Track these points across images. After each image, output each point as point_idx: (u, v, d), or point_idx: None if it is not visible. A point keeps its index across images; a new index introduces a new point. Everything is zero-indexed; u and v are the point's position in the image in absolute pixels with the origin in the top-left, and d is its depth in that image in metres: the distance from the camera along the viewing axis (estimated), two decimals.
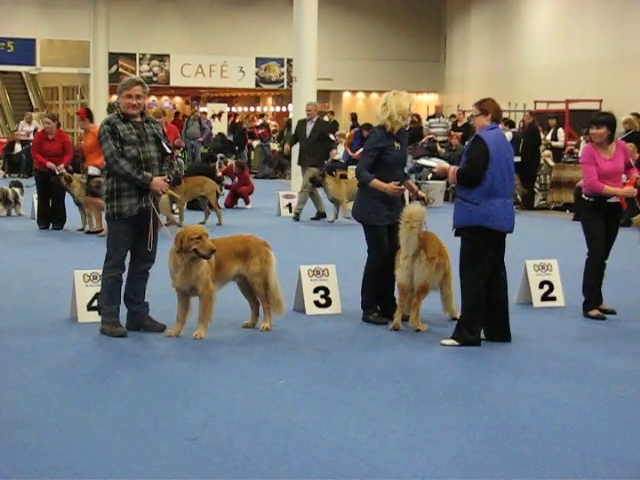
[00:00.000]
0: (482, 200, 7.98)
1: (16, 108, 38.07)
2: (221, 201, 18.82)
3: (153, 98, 39.03)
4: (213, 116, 34.73)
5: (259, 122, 35.55)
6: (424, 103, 36.55)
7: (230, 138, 32.38)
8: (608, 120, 9.41)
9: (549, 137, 23.40)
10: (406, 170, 9.48)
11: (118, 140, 8.23)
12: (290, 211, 18.62)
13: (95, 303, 8.74)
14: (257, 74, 37.55)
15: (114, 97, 28.59)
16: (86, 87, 36.63)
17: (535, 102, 28.06)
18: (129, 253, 8.45)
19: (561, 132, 23.82)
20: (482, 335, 8.20)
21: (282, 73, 37.50)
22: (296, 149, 19.40)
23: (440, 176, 14.51)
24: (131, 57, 36.04)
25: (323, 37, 29.47)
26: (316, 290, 9.41)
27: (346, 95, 40.48)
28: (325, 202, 18.14)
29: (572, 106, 26.34)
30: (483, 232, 8.04)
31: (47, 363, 7.44)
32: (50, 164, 15.48)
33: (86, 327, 8.54)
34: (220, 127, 33.99)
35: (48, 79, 39.22)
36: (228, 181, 20.87)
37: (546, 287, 9.97)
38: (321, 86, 28.10)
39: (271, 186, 24.14)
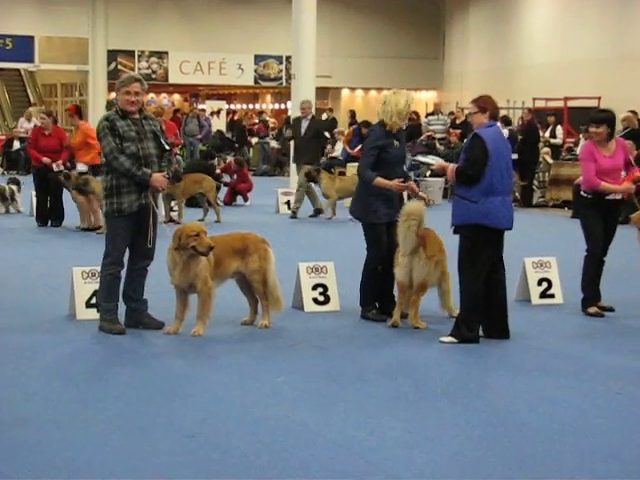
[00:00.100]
0: (481, 198, 7.98)
1: (14, 105, 38.07)
2: (220, 198, 18.81)
3: (152, 95, 39.01)
4: (212, 113, 34.70)
5: (257, 119, 35.50)
6: (423, 100, 36.55)
7: (229, 135, 32.37)
8: (607, 118, 9.41)
9: (548, 134, 23.40)
10: (405, 168, 9.47)
11: (117, 137, 8.22)
12: (289, 208, 18.62)
13: (94, 300, 8.74)
14: (256, 71, 37.55)
15: (113, 94, 28.57)
16: (85, 84, 36.63)
17: (534, 99, 28.07)
18: (128, 250, 8.45)
19: (560, 129, 23.82)
20: (481, 332, 8.21)
21: (281, 70, 37.50)
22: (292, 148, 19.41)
23: (439, 173, 14.52)
24: (130, 54, 36.04)
25: (322, 34, 29.45)
26: (315, 287, 9.41)
27: (345, 92, 40.48)
28: (322, 199, 18.13)
29: (571, 103, 26.35)
30: (482, 230, 8.04)
31: (45, 360, 7.44)
32: (45, 159, 15.41)
33: (84, 324, 8.54)
34: (219, 124, 33.98)
35: (47, 76, 39.21)
36: (227, 178, 20.86)
37: (544, 284, 9.97)
38: (320, 83, 28.08)
39: (269, 183, 24.13)
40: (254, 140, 32.04)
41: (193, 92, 43.67)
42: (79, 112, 15.61)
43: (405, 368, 7.37)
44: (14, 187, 18.25)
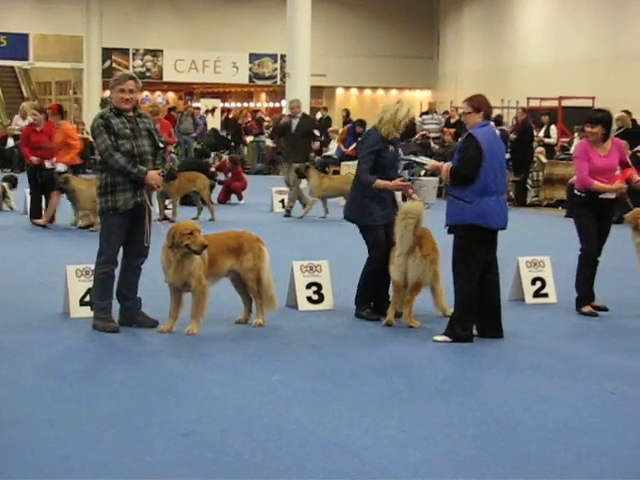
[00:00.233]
0: (475, 198, 7.99)
1: (8, 103, 37.96)
2: (214, 197, 18.80)
3: (146, 93, 38.98)
4: (206, 112, 34.67)
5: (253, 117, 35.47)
6: (417, 99, 36.55)
7: (223, 133, 32.33)
8: (603, 118, 9.42)
9: (542, 134, 23.42)
10: (399, 171, 9.53)
11: (112, 134, 8.22)
12: (283, 207, 18.62)
13: (87, 298, 8.72)
14: (250, 70, 37.55)
15: (107, 92, 28.50)
16: (79, 82, 36.60)
17: (528, 99, 28.08)
18: (122, 248, 8.43)
19: (554, 129, 23.84)
20: (474, 331, 8.21)
21: (275, 69, 37.51)
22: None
23: (435, 173, 14.50)
24: (124, 52, 36.01)
25: (316, 33, 29.50)
26: (309, 286, 9.40)
27: (339, 91, 40.50)
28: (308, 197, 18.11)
29: (565, 103, 26.37)
30: (476, 230, 8.05)
31: (39, 359, 7.43)
32: (33, 158, 15.34)
33: (78, 322, 8.53)
34: (213, 123, 33.97)
35: (41, 74, 39.14)
36: (221, 177, 20.84)
37: (538, 284, 9.98)
38: (314, 82, 28.15)
39: (264, 182, 24.12)
40: (249, 139, 32.01)
41: (188, 90, 43.63)
42: (61, 112, 15.56)
43: (399, 367, 7.38)
44: (5, 184, 18.20)
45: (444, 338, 8.11)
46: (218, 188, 20.13)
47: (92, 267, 8.54)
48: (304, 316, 9.08)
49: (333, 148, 26.55)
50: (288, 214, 17.94)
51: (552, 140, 23.41)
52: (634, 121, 19.99)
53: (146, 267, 8.57)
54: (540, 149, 22.08)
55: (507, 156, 16.22)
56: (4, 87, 38.81)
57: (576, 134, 21.70)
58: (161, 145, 8.53)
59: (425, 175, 21.41)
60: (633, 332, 8.84)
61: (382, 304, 8.99)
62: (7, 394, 6.46)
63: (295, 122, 18.15)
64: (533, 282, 9.98)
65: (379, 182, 8.87)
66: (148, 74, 35.93)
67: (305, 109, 24.15)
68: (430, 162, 9.18)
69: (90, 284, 8.62)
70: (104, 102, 30.44)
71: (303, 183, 18.08)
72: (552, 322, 9.13)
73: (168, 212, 16.37)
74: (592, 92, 26.10)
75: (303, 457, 5.33)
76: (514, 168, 20.19)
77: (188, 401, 6.35)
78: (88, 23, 34.65)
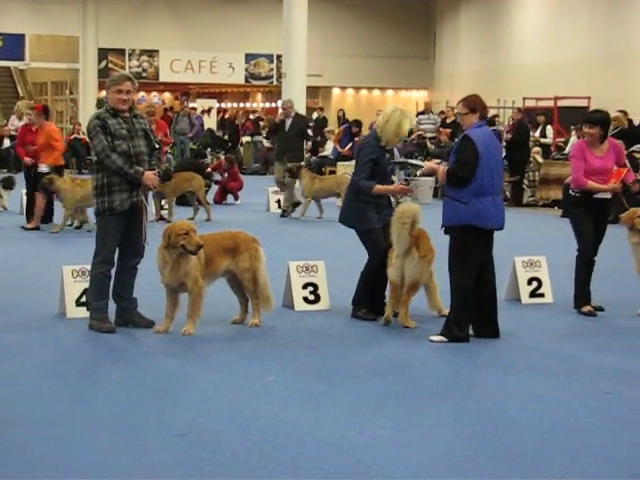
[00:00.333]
0: (471, 199, 7.99)
1: (5, 103, 37.94)
2: (210, 197, 18.79)
3: (142, 94, 38.97)
4: (202, 112, 34.66)
5: (251, 117, 35.44)
6: (413, 100, 36.60)
7: (219, 134, 32.30)
8: (602, 120, 9.43)
9: (538, 134, 23.43)
10: (395, 172, 9.57)
11: (109, 135, 8.21)
12: (279, 207, 18.61)
13: (84, 299, 8.72)
14: (247, 70, 37.54)
15: (103, 92, 28.50)
16: (75, 82, 36.57)
17: (524, 99, 28.11)
18: (118, 248, 8.42)
19: (550, 129, 23.86)
20: (471, 331, 8.22)
21: (272, 69, 37.50)
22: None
23: (431, 174, 14.48)
24: (120, 52, 36.00)
25: (313, 33, 29.49)
26: (305, 286, 9.40)
27: (336, 91, 40.50)
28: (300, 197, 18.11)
29: (561, 103, 26.40)
30: (472, 230, 8.05)
31: (35, 359, 7.42)
32: (27, 159, 15.33)
33: (74, 323, 8.52)
34: (210, 123, 33.96)
35: (37, 74, 39.12)
36: (217, 177, 20.83)
37: (534, 284, 9.99)
38: (310, 82, 28.14)
39: (260, 182, 24.11)
40: (246, 139, 31.99)
41: (184, 90, 43.64)
42: (46, 112, 15.50)
43: (395, 367, 7.38)
44: None
45: (440, 338, 8.12)
46: (214, 188, 20.12)
47: (88, 268, 8.54)
48: (300, 316, 9.08)
49: (329, 148, 26.54)
50: (284, 214, 17.94)
51: (548, 140, 23.43)
52: (630, 121, 20.01)
53: (142, 267, 8.57)
54: (536, 149, 22.10)
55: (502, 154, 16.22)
56: (0, 88, 38.80)
57: (573, 133, 21.73)
58: (156, 145, 8.53)
59: (422, 175, 21.41)
60: (629, 332, 8.85)
61: (378, 305, 8.99)
62: (3, 395, 6.45)
63: (288, 122, 18.15)
64: (529, 282, 9.99)
65: (379, 187, 8.89)
66: (144, 74, 35.91)
67: (301, 109, 24.17)
68: (425, 164, 9.18)
69: (86, 285, 8.61)
70: (100, 102, 30.49)
71: (297, 183, 18.08)
72: (548, 322, 9.14)
73: (164, 212, 16.36)
74: (588, 92, 26.13)
75: (299, 457, 5.33)
76: (510, 168, 20.20)
77: (184, 401, 6.35)
78: (84, 23, 34.63)
